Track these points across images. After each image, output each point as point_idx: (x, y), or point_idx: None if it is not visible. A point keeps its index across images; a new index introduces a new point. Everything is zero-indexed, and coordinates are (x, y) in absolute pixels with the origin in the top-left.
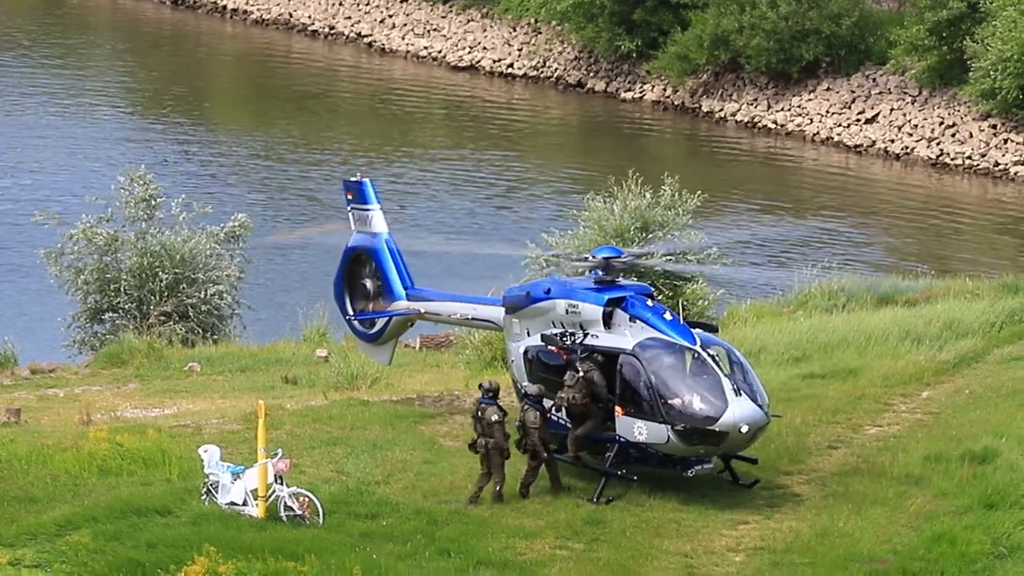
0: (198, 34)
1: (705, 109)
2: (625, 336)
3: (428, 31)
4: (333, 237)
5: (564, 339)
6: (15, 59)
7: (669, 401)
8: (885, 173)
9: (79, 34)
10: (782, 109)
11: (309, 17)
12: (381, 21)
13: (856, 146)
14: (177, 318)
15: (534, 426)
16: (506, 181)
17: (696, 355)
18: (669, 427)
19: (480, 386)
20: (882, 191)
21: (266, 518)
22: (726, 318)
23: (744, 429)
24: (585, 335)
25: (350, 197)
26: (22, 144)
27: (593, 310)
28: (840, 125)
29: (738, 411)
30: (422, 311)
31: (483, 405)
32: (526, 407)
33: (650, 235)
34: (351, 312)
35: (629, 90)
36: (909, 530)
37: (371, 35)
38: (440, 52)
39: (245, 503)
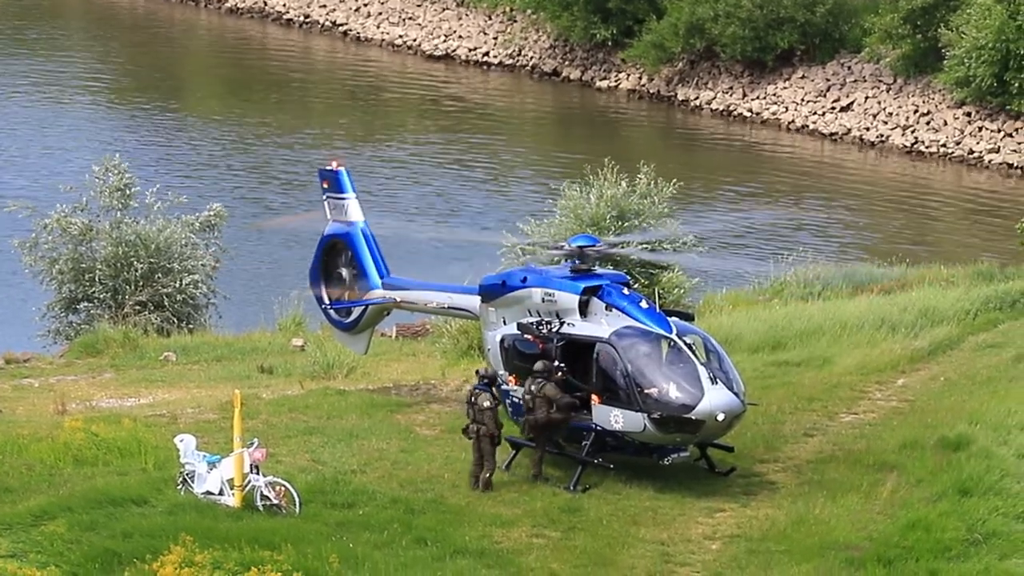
0: (172, 23)
1: (680, 97)
2: (601, 325)
3: (403, 19)
4: (311, 225)
5: (540, 327)
6: None
7: (645, 389)
8: (860, 161)
9: (52, 22)
10: (757, 97)
11: (284, 5)
12: (356, 9)
13: (831, 134)
14: (152, 307)
15: (558, 396)
16: (482, 170)
17: (672, 343)
18: (645, 415)
19: (477, 372)
20: (857, 179)
21: (242, 507)
22: (702, 306)
23: (720, 417)
24: (561, 323)
25: (326, 186)
26: None
27: (569, 298)
28: (815, 113)
29: (714, 399)
30: (398, 300)
31: (477, 391)
32: (541, 382)
33: (626, 223)
34: (327, 301)
35: (604, 78)
36: (884, 517)
37: (346, 24)
38: (415, 41)
39: (221, 492)
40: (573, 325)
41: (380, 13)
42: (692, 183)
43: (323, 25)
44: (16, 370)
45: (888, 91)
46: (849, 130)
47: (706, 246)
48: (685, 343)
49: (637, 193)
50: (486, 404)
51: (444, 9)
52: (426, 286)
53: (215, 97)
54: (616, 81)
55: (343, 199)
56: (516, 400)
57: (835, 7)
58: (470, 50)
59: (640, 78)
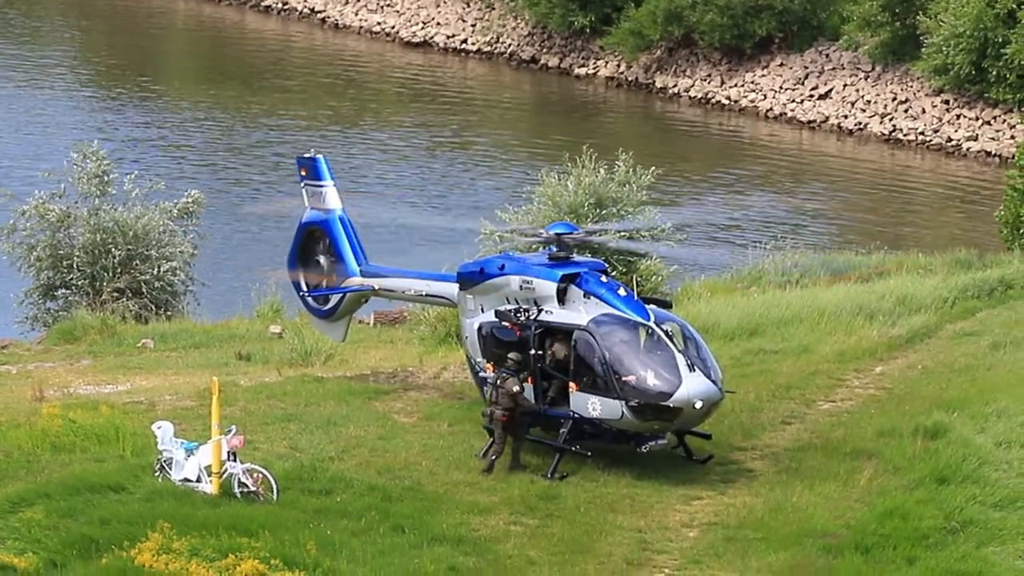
0: (151, 10)
1: (659, 85)
2: (579, 312)
3: (381, 6)
4: (289, 214)
5: (518, 315)
6: None
7: (623, 377)
8: (838, 149)
9: (27, 7)
10: (735, 85)
11: None
12: None
13: (809, 122)
14: (130, 294)
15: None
16: (460, 158)
17: (650, 331)
18: (623, 403)
19: (510, 356)
20: (835, 167)
21: (220, 494)
22: (680, 294)
23: (698, 405)
24: (539, 311)
25: (304, 173)
26: None
27: (547, 286)
28: (793, 101)
29: (692, 387)
30: (376, 287)
31: (504, 376)
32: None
33: (604, 211)
34: (305, 288)
35: (583, 66)
36: (862, 505)
37: (324, 11)
38: (393, 28)
39: (199, 479)
40: (551, 312)
41: (358, 0)
42: (671, 171)
43: (301, 12)
44: None
45: (866, 79)
46: (827, 118)
47: (684, 234)
48: (663, 331)
49: (615, 181)
50: (515, 388)
51: None
52: (404, 273)
53: (194, 84)
54: (594, 69)
55: (321, 187)
56: None
57: None
58: (448, 37)
59: (618, 66)
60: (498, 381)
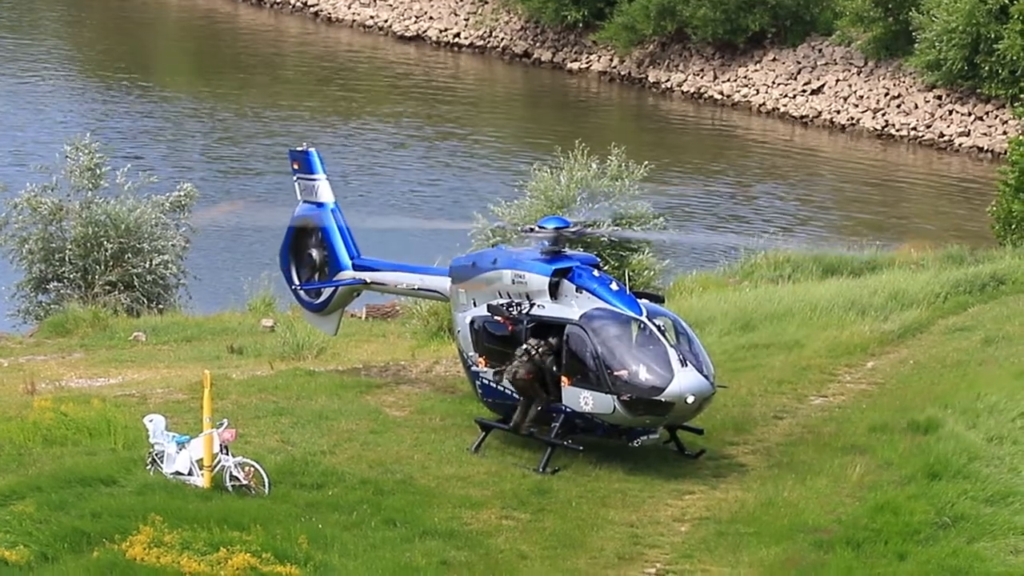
0: (143, 2)
1: (651, 80)
2: (571, 306)
3: (374, 0)
4: (282, 207)
5: (510, 309)
6: None
7: (615, 371)
8: (831, 144)
9: (17, 1)
10: (728, 80)
11: None
12: None
13: (802, 117)
14: (122, 288)
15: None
16: (452, 152)
17: (642, 325)
18: (615, 397)
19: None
20: (828, 162)
21: (211, 488)
22: (672, 288)
23: (690, 399)
24: (531, 305)
25: (296, 167)
26: None
27: (539, 280)
28: (786, 96)
29: (684, 381)
30: (368, 281)
31: (540, 351)
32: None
33: (596, 205)
34: (297, 282)
35: (575, 60)
36: (853, 500)
37: (317, 4)
38: (386, 22)
39: (190, 473)
40: (543, 307)
41: None
42: (663, 165)
43: (294, 5)
44: None
45: (859, 74)
46: (820, 113)
47: (677, 229)
48: (655, 325)
49: (608, 175)
50: (550, 359)
51: None
52: (396, 267)
53: (186, 78)
54: (587, 63)
55: (313, 180)
56: (486, 382)
57: None
58: (441, 31)
59: (611, 60)
60: (529, 350)
